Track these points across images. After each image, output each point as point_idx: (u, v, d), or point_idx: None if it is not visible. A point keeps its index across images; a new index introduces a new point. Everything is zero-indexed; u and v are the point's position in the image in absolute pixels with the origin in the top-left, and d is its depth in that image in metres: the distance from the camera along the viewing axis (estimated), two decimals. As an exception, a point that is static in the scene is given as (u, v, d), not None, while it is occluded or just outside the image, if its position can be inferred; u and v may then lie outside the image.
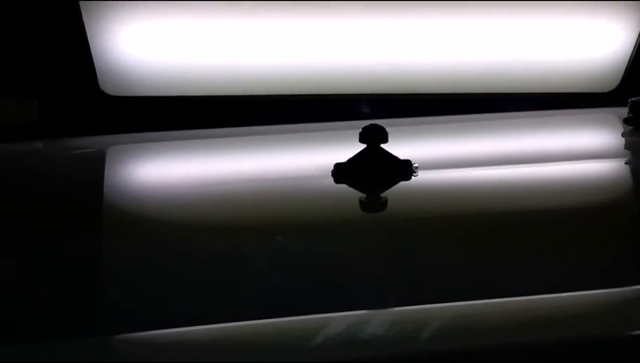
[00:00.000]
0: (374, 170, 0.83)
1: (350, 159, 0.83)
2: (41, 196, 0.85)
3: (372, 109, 1.35)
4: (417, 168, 0.84)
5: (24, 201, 0.83)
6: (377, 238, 0.68)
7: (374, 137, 0.82)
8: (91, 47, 1.30)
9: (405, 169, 0.84)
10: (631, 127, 1.03)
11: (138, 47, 1.31)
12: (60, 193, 0.87)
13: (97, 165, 1.04)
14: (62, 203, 0.82)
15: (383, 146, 0.83)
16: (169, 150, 1.15)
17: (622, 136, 1.05)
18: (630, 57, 1.39)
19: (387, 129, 0.83)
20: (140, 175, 1.03)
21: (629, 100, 1.03)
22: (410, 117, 1.23)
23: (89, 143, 1.17)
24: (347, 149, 0.84)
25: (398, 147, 0.84)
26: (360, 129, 0.83)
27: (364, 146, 0.83)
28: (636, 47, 1.38)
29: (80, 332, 0.49)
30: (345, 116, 1.33)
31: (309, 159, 1.05)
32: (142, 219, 0.78)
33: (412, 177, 0.83)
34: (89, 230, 0.72)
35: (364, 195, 0.82)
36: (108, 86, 1.31)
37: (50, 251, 0.65)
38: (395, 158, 0.83)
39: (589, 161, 0.94)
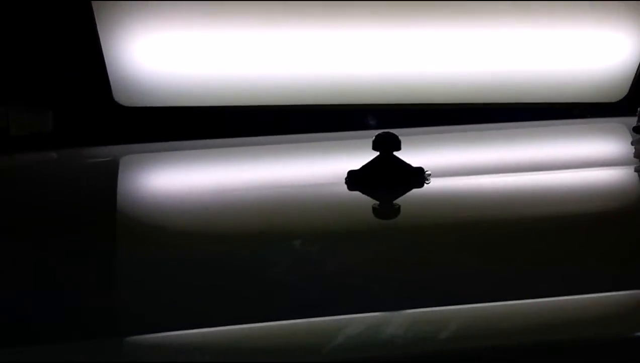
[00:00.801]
0: (387, 177, 0.84)
1: (364, 167, 0.84)
2: (54, 204, 0.86)
3: (381, 119, 1.36)
4: (429, 175, 0.85)
5: (38, 208, 0.84)
6: (391, 243, 0.69)
7: (387, 145, 0.83)
8: (105, 59, 1.32)
9: (418, 176, 0.85)
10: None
11: (151, 59, 1.32)
12: (74, 201, 0.88)
13: (110, 174, 1.05)
14: (75, 210, 0.83)
15: (396, 153, 0.84)
16: (182, 159, 1.16)
17: (632, 144, 1.06)
18: (638, 67, 1.40)
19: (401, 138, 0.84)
20: (154, 183, 1.05)
21: (639, 108, 1.04)
22: (419, 127, 1.24)
23: (103, 152, 1.18)
24: (360, 157, 0.85)
25: (410, 155, 0.86)
26: (373, 137, 0.84)
27: (377, 153, 0.84)
28: (644, 56, 1.39)
29: (90, 333, 0.50)
30: (355, 126, 1.34)
31: (322, 167, 1.06)
32: (156, 225, 0.79)
33: (425, 184, 0.84)
34: (101, 236, 0.73)
35: (377, 202, 0.83)
36: (122, 96, 1.33)
37: (63, 256, 0.66)
38: (408, 165, 0.84)
39: (598, 168, 0.95)
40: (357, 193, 0.84)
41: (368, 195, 0.84)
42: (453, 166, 0.99)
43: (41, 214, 0.82)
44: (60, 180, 1.02)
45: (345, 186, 0.84)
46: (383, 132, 0.84)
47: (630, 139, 1.07)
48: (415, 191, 0.83)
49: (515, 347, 0.48)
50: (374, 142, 0.84)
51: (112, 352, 0.49)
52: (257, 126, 1.37)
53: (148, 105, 1.34)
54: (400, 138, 0.84)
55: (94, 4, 1.31)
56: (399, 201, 0.83)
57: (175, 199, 0.91)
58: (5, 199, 0.89)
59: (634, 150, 1.05)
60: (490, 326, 0.50)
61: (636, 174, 0.93)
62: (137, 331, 0.51)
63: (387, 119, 1.35)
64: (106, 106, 1.32)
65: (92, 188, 0.96)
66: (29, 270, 0.62)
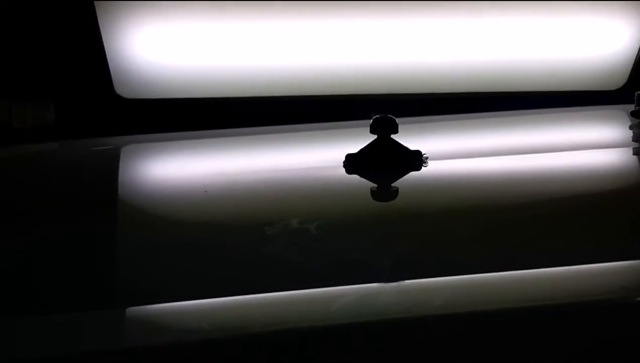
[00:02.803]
0: (384, 160, 0.84)
1: (362, 150, 0.85)
2: (57, 192, 0.87)
3: (378, 109, 1.37)
4: (427, 158, 0.86)
5: (40, 196, 0.85)
6: (387, 223, 0.70)
7: (384, 128, 0.84)
8: (106, 51, 1.32)
9: (416, 159, 0.85)
10: (639, 120, 1.04)
11: (152, 51, 1.33)
12: (76, 190, 0.89)
13: (112, 164, 1.06)
14: (77, 198, 0.84)
15: (393, 137, 0.85)
16: (183, 149, 1.17)
17: (630, 128, 1.06)
18: (637, 55, 1.40)
19: (398, 126, 0.84)
20: (156, 172, 1.05)
21: (636, 93, 1.05)
22: (421, 115, 1.25)
23: (104, 143, 1.19)
24: (359, 141, 0.86)
25: (409, 140, 0.86)
26: (371, 121, 0.84)
27: (375, 137, 0.85)
28: (643, 44, 1.40)
29: (94, 306, 0.51)
30: (351, 116, 1.34)
31: (321, 152, 1.07)
32: (158, 208, 0.80)
33: (423, 167, 0.85)
34: (101, 222, 0.74)
35: (375, 185, 0.84)
36: (123, 89, 1.34)
37: (65, 242, 0.67)
38: (406, 148, 0.85)
39: (597, 150, 0.96)
40: (354, 176, 0.84)
41: (366, 178, 0.84)
42: (451, 150, 1.00)
43: (43, 202, 0.83)
44: (62, 170, 1.03)
45: (343, 170, 0.84)
46: (381, 115, 0.85)
47: (629, 124, 1.08)
48: (412, 174, 0.84)
49: (503, 311, 0.48)
50: (371, 125, 0.85)
51: (116, 323, 0.50)
52: (258, 116, 1.38)
53: (149, 97, 1.35)
54: (400, 126, 0.84)
55: (95, -2, 1.32)
56: (396, 184, 0.83)
57: (176, 185, 0.91)
58: (8, 189, 0.90)
59: (632, 134, 1.05)
60: (480, 294, 0.51)
61: (634, 156, 0.94)
62: (138, 303, 0.52)
63: (389, 108, 1.35)
64: (107, 98, 1.33)
65: (94, 176, 0.97)
66: (33, 253, 0.63)
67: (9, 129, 1.28)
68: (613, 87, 1.41)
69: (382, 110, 1.38)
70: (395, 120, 0.84)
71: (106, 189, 0.89)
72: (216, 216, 0.74)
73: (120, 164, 1.07)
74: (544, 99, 1.41)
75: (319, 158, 1.02)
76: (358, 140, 0.86)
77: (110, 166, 1.04)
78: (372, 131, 0.85)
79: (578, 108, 1.35)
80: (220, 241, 0.65)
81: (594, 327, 0.48)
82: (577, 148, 0.96)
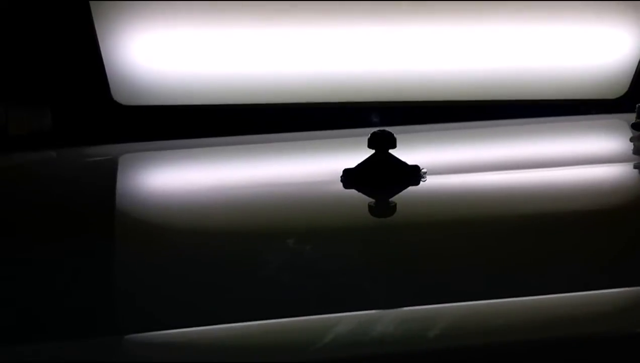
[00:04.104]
0: (382, 175, 0.84)
1: (359, 165, 0.84)
2: (53, 202, 0.86)
3: (381, 116, 1.36)
4: (425, 173, 0.85)
5: (38, 206, 0.85)
6: (386, 241, 0.69)
7: (382, 142, 0.83)
8: (103, 57, 1.32)
9: (414, 174, 0.84)
10: (639, 132, 1.04)
11: (149, 57, 1.32)
12: (73, 199, 0.88)
13: (109, 173, 1.05)
14: (75, 208, 0.83)
15: (392, 151, 0.84)
16: (180, 158, 1.16)
17: (631, 141, 1.06)
18: (638, 64, 1.39)
19: (396, 136, 0.84)
20: (152, 182, 1.05)
21: (637, 105, 1.04)
22: (419, 124, 1.24)
23: (102, 151, 1.19)
24: (357, 154, 0.85)
25: (408, 153, 0.85)
26: (369, 135, 0.84)
27: (373, 151, 0.84)
28: (644, 52, 1.39)
29: (90, 331, 0.50)
30: (354, 124, 1.34)
31: (319, 165, 1.06)
32: (153, 223, 0.79)
33: (421, 182, 0.84)
34: (99, 234, 0.73)
35: (373, 200, 0.83)
36: (120, 95, 1.33)
37: (63, 255, 0.66)
38: (404, 163, 0.84)
39: (597, 166, 0.95)
40: (352, 191, 0.83)
41: (363, 193, 0.83)
42: (450, 164, 0.99)
43: (40, 212, 0.82)
44: (59, 179, 1.02)
45: (340, 185, 0.83)
46: (379, 130, 0.84)
47: (629, 136, 1.07)
48: (411, 188, 0.83)
49: (505, 345, 0.47)
50: (369, 140, 0.84)
51: (113, 350, 0.49)
52: (256, 124, 1.37)
53: (146, 103, 1.34)
54: (399, 135, 0.84)
55: (92, 4, 1.31)
56: (394, 199, 0.83)
57: (169, 197, 0.91)
58: (5, 199, 0.89)
59: (632, 147, 1.04)
60: (480, 324, 0.50)
61: (634, 171, 0.93)
62: (133, 329, 0.52)
63: (389, 116, 1.35)
64: (105, 104, 1.32)
65: (91, 186, 0.96)
66: (29, 268, 0.63)
67: (5, 136, 1.27)
68: (614, 96, 1.41)
69: (381, 118, 1.38)
70: (393, 135, 0.83)
71: (103, 200, 0.89)
72: (208, 235, 0.73)
73: (118, 173, 1.07)
74: (544, 107, 1.40)
75: (318, 169, 1.01)
76: (357, 150, 0.86)
77: (107, 175, 1.03)
78: (370, 146, 0.84)
79: (578, 117, 1.34)
80: (211, 263, 0.64)
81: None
82: (577, 163, 0.95)
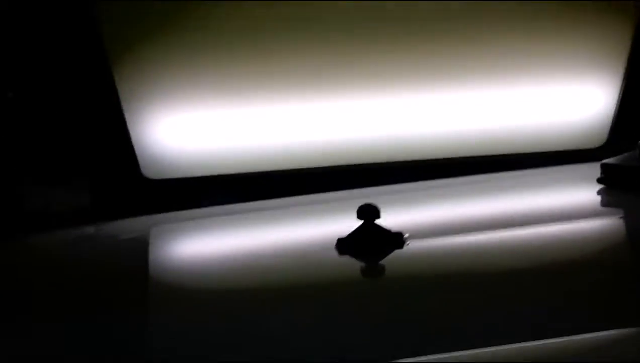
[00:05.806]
0: (371, 243, 0.98)
1: (350, 234, 0.98)
2: (92, 281, 1.01)
3: (375, 176, 1.51)
4: (407, 238, 0.99)
5: (73, 287, 0.99)
6: (377, 299, 0.83)
7: (368, 215, 0.97)
8: (132, 138, 1.49)
9: (398, 240, 0.98)
10: (603, 186, 1.16)
11: (174, 135, 1.49)
12: (108, 278, 1.02)
13: (141, 250, 1.20)
14: (110, 286, 0.97)
15: (378, 221, 0.98)
16: (203, 227, 1.31)
17: (597, 194, 1.17)
18: (613, 115, 1.53)
19: (387, 197, 0.98)
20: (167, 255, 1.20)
21: (600, 163, 1.16)
22: (412, 181, 1.37)
23: (134, 225, 1.33)
24: (351, 220, 0.99)
25: (394, 215, 0.99)
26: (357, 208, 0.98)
27: (362, 222, 0.98)
28: (618, 106, 1.52)
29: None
30: (359, 184, 1.48)
31: (320, 231, 1.20)
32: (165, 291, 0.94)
33: (405, 246, 0.98)
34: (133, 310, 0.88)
35: (364, 264, 0.97)
36: (148, 170, 1.50)
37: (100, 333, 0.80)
38: (388, 231, 0.98)
39: (567, 222, 1.07)
40: (346, 257, 0.97)
41: (355, 258, 0.97)
42: (431, 226, 1.12)
43: (73, 291, 0.96)
44: (97, 256, 1.16)
45: (336, 252, 0.98)
46: (365, 204, 0.98)
47: (596, 189, 1.18)
48: (396, 252, 0.97)
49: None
50: (357, 211, 0.98)
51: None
52: (276, 189, 1.52)
53: (173, 176, 1.50)
54: (389, 197, 0.98)
55: (120, 89, 1.48)
56: (383, 262, 0.96)
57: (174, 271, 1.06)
58: (45, 278, 1.04)
59: (600, 199, 1.16)
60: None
61: (599, 225, 1.05)
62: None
63: (381, 175, 1.49)
64: (136, 180, 1.49)
65: (125, 262, 1.10)
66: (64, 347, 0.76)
67: (47, 214, 1.43)
68: (596, 145, 1.54)
69: (373, 178, 1.52)
70: (377, 207, 0.97)
71: (137, 277, 1.03)
72: (210, 303, 0.87)
73: (150, 249, 1.21)
74: (533, 158, 1.53)
75: (316, 237, 1.15)
76: (349, 216, 0.99)
77: (139, 252, 1.18)
78: (358, 217, 0.98)
79: (562, 167, 1.46)
80: (211, 335, 0.77)
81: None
82: (547, 219, 1.07)
